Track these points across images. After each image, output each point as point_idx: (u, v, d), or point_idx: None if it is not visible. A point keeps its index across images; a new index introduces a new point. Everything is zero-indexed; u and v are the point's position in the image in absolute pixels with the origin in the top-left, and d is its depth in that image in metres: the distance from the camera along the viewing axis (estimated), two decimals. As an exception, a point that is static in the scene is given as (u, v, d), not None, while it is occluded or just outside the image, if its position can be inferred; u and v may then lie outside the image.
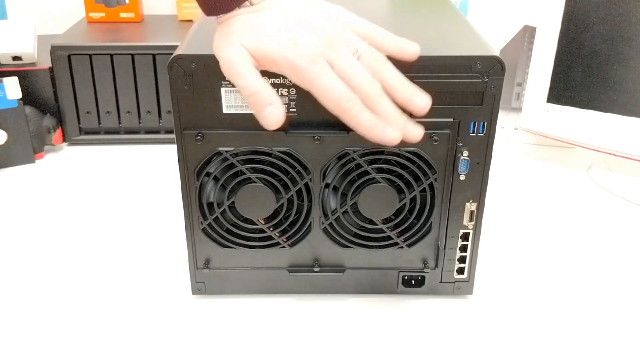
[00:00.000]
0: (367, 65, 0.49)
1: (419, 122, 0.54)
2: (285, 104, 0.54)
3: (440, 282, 0.62)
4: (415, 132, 0.51)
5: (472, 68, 0.53)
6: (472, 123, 0.55)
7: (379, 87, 0.49)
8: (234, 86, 0.53)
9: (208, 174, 0.57)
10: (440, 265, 0.61)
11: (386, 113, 0.49)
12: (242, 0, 0.50)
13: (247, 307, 0.62)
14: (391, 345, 0.57)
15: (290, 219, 0.59)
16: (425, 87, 0.53)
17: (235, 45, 0.49)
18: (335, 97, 0.48)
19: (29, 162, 0.92)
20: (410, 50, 0.51)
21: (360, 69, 0.49)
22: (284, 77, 0.52)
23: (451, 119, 0.55)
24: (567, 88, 0.87)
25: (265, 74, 0.51)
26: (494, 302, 0.63)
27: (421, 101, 0.50)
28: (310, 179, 0.57)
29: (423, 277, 0.62)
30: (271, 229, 0.59)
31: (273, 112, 0.49)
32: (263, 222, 0.59)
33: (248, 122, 0.54)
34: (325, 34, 0.49)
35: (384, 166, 0.57)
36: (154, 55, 0.96)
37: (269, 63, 0.49)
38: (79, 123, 0.98)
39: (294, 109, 0.54)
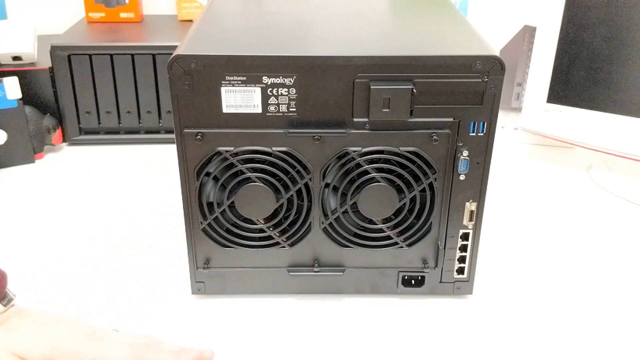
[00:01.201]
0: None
1: (418, 121, 0.54)
2: (285, 104, 0.54)
3: (440, 282, 0.62)
4: None
5: (472, 68, 0.53)
6: (472, 123, 0.55)
7: (150, 341, 0.50)
8: (234, 86, 0.53)
9: (208, 174, 0.57)
10: (440, 265, 0.61)
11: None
12: None
13: (247, 307, 0.62)
14: (391, 345, 0.57)
15: (290, 219, 0.59)
16: (425, 87, 0.53)
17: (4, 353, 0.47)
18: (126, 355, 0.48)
19: (29, 162, 0.92)
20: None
21: (121, 338, 0.49)
22: (283, 76, 0.52)
23: (451, 119, 0.55)
24: (567, 88, 0.87)
25: (264, 70, 0.51)
26: (494, 302, 0.63)
27: None
28: (310, 179, 0.57)
29: (423, 277, 0.62)
30: (271, 229, 0.59)
31: None
32: (263, 222, 0.59)
33: (248, 122, 0.54)
34: (74, 326, 0.49)
35: (384, 166, 0.57)
36: (154, 55, 0.96)
37: None
38: (79, 123, 0.98)
39: (294, 109, 0.54)
